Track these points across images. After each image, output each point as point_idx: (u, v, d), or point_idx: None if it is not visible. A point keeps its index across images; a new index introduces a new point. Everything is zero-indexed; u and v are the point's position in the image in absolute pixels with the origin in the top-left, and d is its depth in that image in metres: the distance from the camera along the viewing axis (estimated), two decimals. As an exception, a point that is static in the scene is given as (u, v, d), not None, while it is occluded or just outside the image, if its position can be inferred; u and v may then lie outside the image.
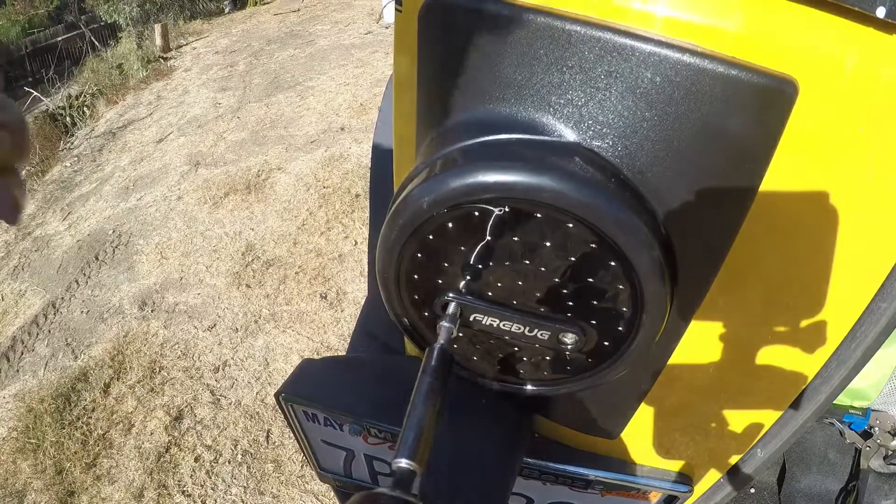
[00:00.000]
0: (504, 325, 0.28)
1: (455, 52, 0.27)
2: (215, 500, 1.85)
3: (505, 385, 0.31)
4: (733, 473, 0.47)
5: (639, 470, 0.49)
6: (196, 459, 1.99)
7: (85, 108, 5.10)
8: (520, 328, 0.27)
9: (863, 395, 0.98)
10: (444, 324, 0.27)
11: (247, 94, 4.52)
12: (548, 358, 0.29)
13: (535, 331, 0.27)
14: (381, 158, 0.60)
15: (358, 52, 4.87)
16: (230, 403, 2.17)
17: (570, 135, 0.26)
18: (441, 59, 0.28)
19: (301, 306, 2.35)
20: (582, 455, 0.49)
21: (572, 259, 0.25)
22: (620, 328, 0.26)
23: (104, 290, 2.84)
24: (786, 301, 0.32)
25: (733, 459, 0.46)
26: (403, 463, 0.22)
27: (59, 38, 7.06)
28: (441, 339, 0.27)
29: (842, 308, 0.32)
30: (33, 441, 2.14)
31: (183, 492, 1.89)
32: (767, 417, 0.41)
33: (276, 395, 0.55)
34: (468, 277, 0.27)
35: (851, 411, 1.01)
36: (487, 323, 0.28)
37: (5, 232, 3.55)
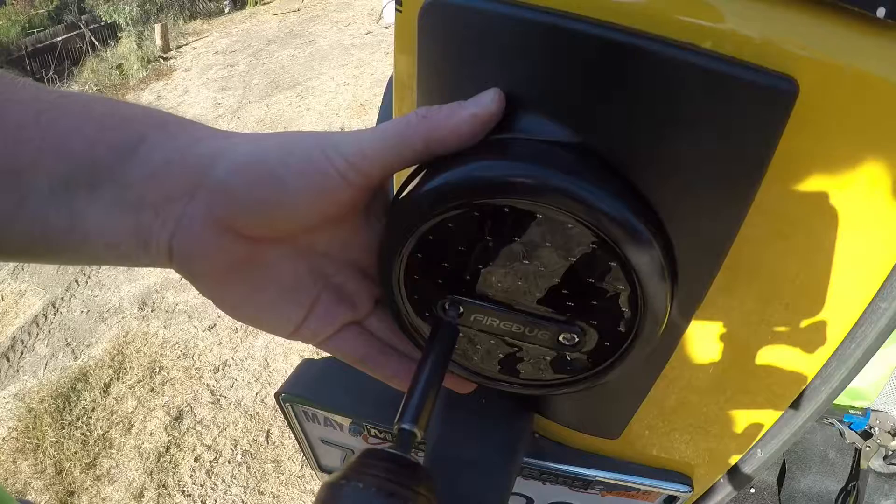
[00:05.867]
0: (504, 326, 0.28)
1: (455, 52, 0.27)
2: (215, 500, 1.85)
3: (505, 385, 0.31)
4: (733, 473, 0.47)
5: (639, 470, 0.49)
6: (196, 459, 2.00)
7: (85, 108, 5.09)
8: (520, 328, 0.27)
9: (863, 395, 0.98)
10: (456, 297, 0.27)
11: (247, 94, 4.52)
12: (548, 358, 0.29)
13: (536, 331, 0.27)
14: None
15: (358, 52, 4.87)
16: (230, 403, 2.17)
17: (570, 135, 0.26)
18: (441, 59, 0.28)
19: (301, 306, 2.36)
20: (582, 455, 0.49)
21: (572, 259, 0.25)
22: (621, 328, 0.26)
23: (104, 290, 2.84)
24: (786, 301, 0.32)
25: (733, 459, 0.46)
26: (406, 425, 0.23)
27: (59, 38, 7.06)
28: (449, 315, 0.27)
29: (842, 308, 0.32)
30: (33, 441, 2.14)
31: (183, 492, 1.89)
32: (767, 417, 0.41)
33: (276, 395, 0.55)
34: (468, 277, 0.27)
35: (851, 411, 1.01)
36: (487, 323, 0.28)
37: (5, 232, 3.54)
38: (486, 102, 0.24)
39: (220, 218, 0.23)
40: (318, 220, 0.25)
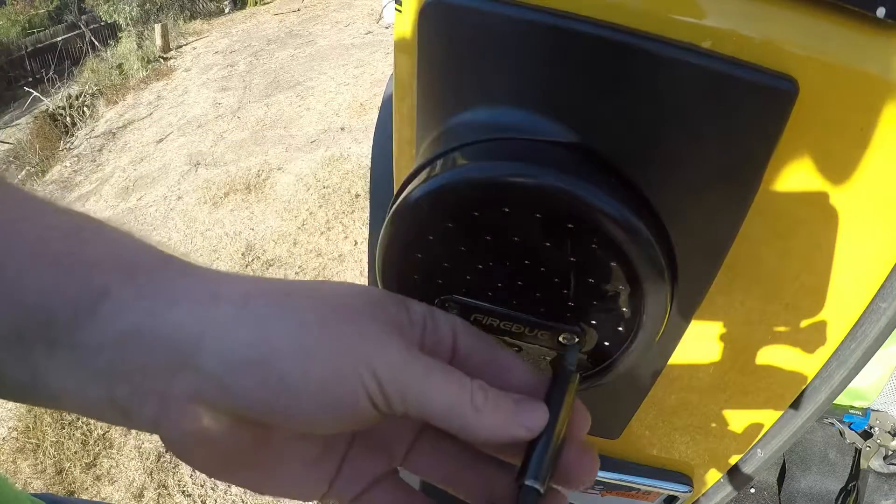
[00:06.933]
0: (504, 326, 0.28)
1: (455, 53, 0.27)
2: (215, 500, 1.85)
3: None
4: (733, 473, 0.47)
5: (639, 470, 0.49)
6: (196, 459, 1.99)
7: (85, 108, 5.10)
8: (520, 328, 0.27)
9: (863, 395, 0.98)
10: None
11: (247, 94, 4.52)
12: (548, 358, 0.29)
13: (536, 331, 0.27)
14: (381, 159, 0.60)
15: (358, 52, 4.87)
16: (230, 403, 2.17)
17: (570, 135, 0.26)
18: (441, 59, 0.28)
19: (301, 306, 2.35)
20: (582, 455, 0.49)
21: (572, 259, 0.25)
22: (620, 328, 0.26)
23: (104, 290, 2.83)
24: (786, 301, 0.32)
25: (733, 459, 0.46)
26: (529, 482, 0.21)
27: (59, 38, 7.07)
28: (570, 363, 0.25)
29: (842, 308, 0.32)
30: (33, 441, 2.14)
31: (183, 492, 1.89)
32: (767, 417, 0.41)
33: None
34: (468, 277, 0.27)
35: (851, 411, 1.01)
36: (487, 323, 0.28)
37: (5, 232, 3.54)
38: (540, 425, 0.21)
39: (212, 404, 0.19)
40: (339, 430, 0.21)
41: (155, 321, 0.18)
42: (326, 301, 0.20)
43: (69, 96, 5.25)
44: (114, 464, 2.02)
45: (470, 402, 0.20)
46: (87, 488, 1.96)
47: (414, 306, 0.23)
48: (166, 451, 2.02)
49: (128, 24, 6.96)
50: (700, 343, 0.36)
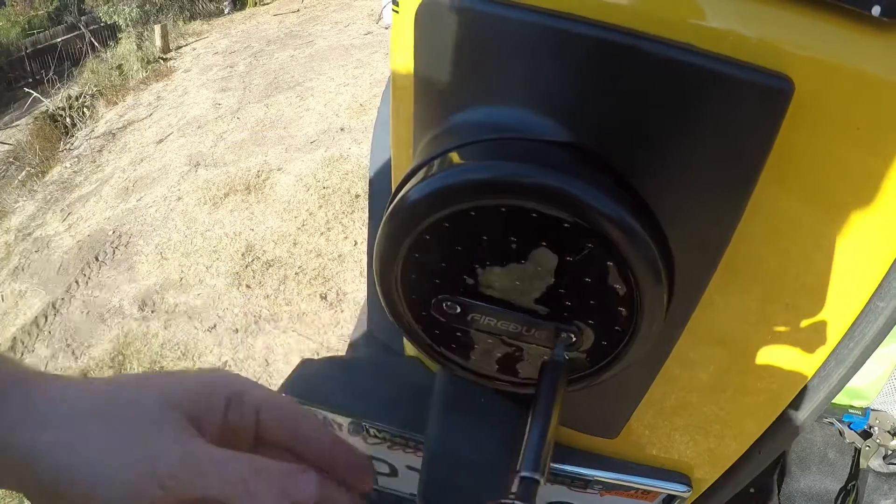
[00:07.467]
0: (502, 325, 0.28)
1: (452, 53, 0.27)
2: (215, 501, 1.84)
3: (503, 384, 0.31)
4: (733, 473, 0.47)
5: (638, 470, 0.49)
6: (196, 460, 1.99)
7: (85, 109, 5.10)
8: (517, 328, 0.28)
9: (862, 394, 0.98)
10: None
11: (246, 95, 4.52)
12: (546, 357, 0.29)
13: (533, 330, 0.27)
14: (380, 159, 0.60)
15: (357, 52, 4.87)
16: (230, 404, 2.16)
17: (567, 134, 0.26)
18: (438, 59, 0.28)
19: (301, 307, 2.35)
20: (581, 455, 0.49)
21: (569, 259, 0.25)
22: (618, 328, 0.26)
23: (104, 291, 2.83)
24: (784, 300, 0.32)
25: (733, 459, 0.46)
26: (527, 473, 0.22)
27: (59, 39, 7.07)
28: (558, 354, 0.26)
29: (840, 307, 0.32)
30: (33, 442, 2.14)
31: (183, 492, 1.89)
32: (766, 417, 0.41)
33: (276, 396, 0.54)
34: (465, 277, 0.27)
35: (851, 411, 1.01)
36: (485, 322, 0.28)
37: (5, 233, 3.55)
38: (307, 493, 0.24)
39: None
40: None
41: (2, 444, 0.22)
42: (122, 410, 0.24)
43: (69, 97, 5.25)
44: (114, 464, 2.02)
45: (243, 489, 0.23)
46: (87, 489, 1.96)
47: (217, 390, 0.26)
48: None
49: (127, 25, 6.96)
50: (699, 343, 0.36)
